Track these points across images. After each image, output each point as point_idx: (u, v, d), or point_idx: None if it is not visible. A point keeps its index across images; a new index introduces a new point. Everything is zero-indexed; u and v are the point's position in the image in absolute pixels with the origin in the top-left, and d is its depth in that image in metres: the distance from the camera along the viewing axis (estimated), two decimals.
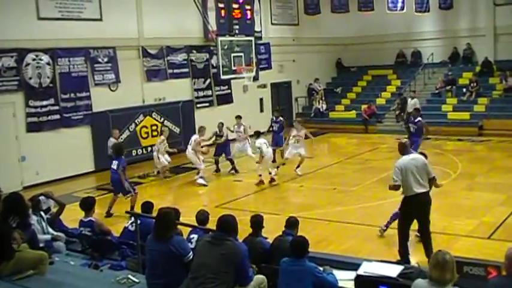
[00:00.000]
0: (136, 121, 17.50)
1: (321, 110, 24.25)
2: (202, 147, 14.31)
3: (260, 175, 13.71)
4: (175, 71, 18.82)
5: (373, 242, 9.13)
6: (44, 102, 15.02)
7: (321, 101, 24.42)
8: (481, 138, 19.63)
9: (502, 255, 4.58)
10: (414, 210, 7.70)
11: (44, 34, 14.79)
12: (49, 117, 15.12)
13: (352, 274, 5.67)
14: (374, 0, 23.10)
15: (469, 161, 15.74)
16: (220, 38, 15.86)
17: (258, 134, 14.23)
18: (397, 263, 6.36)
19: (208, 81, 20.04)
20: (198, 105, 19.73)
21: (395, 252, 7.85)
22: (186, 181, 14.70)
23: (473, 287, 5.18)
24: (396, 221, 8.30)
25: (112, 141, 13.98)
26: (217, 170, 15.42)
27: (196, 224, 6.96)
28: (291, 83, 24.82)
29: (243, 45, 16.42)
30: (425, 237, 7.83)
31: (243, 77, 17.09)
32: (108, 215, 11.28)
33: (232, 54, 15.95)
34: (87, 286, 5.95)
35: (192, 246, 6.24)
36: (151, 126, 17.94)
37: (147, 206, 7.98)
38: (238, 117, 15.59)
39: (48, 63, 15.02)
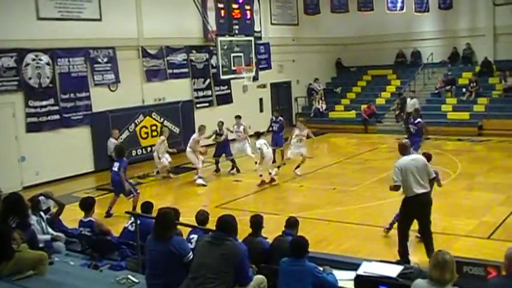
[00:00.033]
0: (136, 121, 17.49)
1: (321, 110, 24.25)
2: (202, 146, 14.31)
3: (261, 175, 13.69)
4: (175, 71, 18.82)
5: (373, 242, 9.13)
6: (44, 103, 15.01)
7: (320, 101, 24.41)
8: (481, 138, 19.64)
9: (501, 255, 4.59)
10: (414, 210, 7.70)
11: (43, 34, 14.78)
12: (49, 118, 15.11)
13: (351, 274, 5.67)
14: (374, 0, 23.10)
15: (468, 161, 15.75)
16: (219, 38, 15.88)
17: (258, 135, 14.20)
18: (397, 263, 6.36)
19: (208, 81, 20.04)
20: (198, 105, 19.72)
21: (395, 252, 7.85)
22: (186, 181, 14.70)
23: (473, 287, 5.19)
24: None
25: (112, 141, 14.00)
26: (217, 170, 15.42)
27: (196, 224, 6.96)
28: (291, 83, 24.82)
29: (242, 45, 16.43)
30: (426, 237, 7.82)
31: (243, 77, 17.12)
32: (108, 215, 11.27)
33: (232, 54, 15.97)
34: (86, 286, 5.95)
35: (192, 246, 6.25)
36: (151, 126, 17.94)
37: (147, 206, 7.98)
38: (238, 117, 15.58)
39: (47, 64, 15.01)
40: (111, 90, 16.85)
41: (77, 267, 6.62)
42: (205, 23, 18.11)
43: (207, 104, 20.01)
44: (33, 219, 7.13)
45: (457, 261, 4.53)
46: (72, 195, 12.74)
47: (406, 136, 13.28)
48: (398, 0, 22.47)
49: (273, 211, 10.96)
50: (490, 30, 23.19)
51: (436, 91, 23.03)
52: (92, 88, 16.19)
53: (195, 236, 6.77)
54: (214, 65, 18.95)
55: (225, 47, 15.82)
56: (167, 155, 14.83)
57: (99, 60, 16.35)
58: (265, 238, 6.59)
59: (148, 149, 17.09)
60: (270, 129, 16.40)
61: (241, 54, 16.24)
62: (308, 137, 14.45)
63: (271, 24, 23.08)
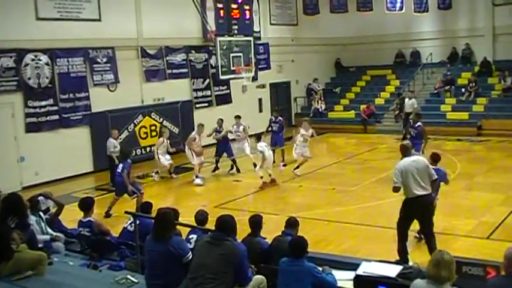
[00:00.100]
0: (135, 121, 17.49)
1: (320, 110, 24.24)
2: (197, 147, 14.36)
3: (262, 177, 13.65)
4: (174, 71, 18.82)
5: (372, 242, 9.13)
6: (43, 103, 15.01)
7: (320, 101, 24.40)
8: (480, 138, 19.65)
9: (501, 255, 4.59)
10: (415, 212, 7.68)
11: (42, 34, 14.77)
12: (48, 118, 15.11)
13: (351, 274, 5.66)
14: (373, 0, 23.10)
15: (468, 161, 15.75)
16: (219, 38, 15.88)
17: (258, 138, 14.08)
18: (396, 263, 6.36)
19: (207, 81, 20.04)
20: (197, 106, 19.72)
21: (394, 252, 7.84)
22: (186, 181, 14.70)
23: (472, 287, 5.19)
24: (396, 221, 8.29)
25: (111, 141, 13.99)
26: (216, 169, 15.41)
27: (195, 224, 6.96)
28: (290, 83, 24.82)
29: (242, 46, 16.44)
30: (428, 238, 7.81)
31: (242, 77, 17.13)
32: (107, 215, 11.28)
33: (231, 55, 15.97)
34: (86, 286, 5.96)
35: (191, 246, 6.25)
36: (150, 126, 17.95)
37: (146, 207, 7.99)
38: (238, 117, 15.58)
39: (47, 64, 15.01)
40: (111, 91, 16.85)
41: (76, 268, 6.62)
42: (205, 23, 18.10)
43: (206, 104, 20.01)
44: (33, 219, 7.12)
45: (457, 261, 4.53)
46: (71, 196, 12.75)
47: (408, 137, 13.26)
48: (397, 0, 22.47)
49: (272, 211, 10.98)
50: (489, 30, 23.19)
51: (435, 91, 23.03)
52: (91, 88, 16.19)
53: (194, 236, 6.77)
54: (213, 65, 18.94)
55: (224, 47, 15.82)
56: (168, 156, 14.83)
57: (99, 60, 16.35)
58: (265, 238, 6.58)
59: (148, 149, 17.10)
60: (270, 129, 16.39)
61: (240, 54, 16.25)
62: (312, 136, 14.53)
63: (271, 24, 23.08)
